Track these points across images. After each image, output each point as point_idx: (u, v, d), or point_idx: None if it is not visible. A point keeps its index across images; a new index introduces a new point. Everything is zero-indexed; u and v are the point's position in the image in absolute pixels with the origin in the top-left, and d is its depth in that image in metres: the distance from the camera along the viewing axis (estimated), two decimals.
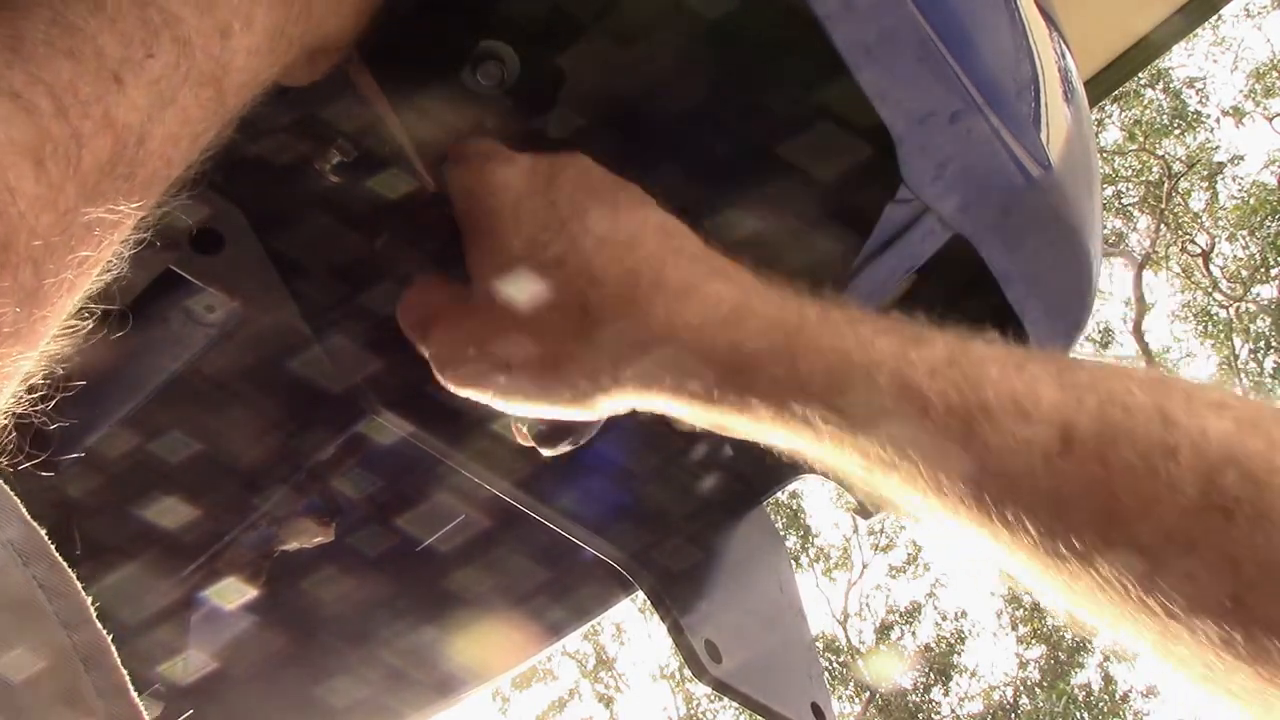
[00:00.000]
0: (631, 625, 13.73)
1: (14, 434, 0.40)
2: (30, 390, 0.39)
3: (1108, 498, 0.42)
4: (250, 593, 0.88)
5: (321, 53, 0.54)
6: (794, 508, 12.58)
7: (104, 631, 0.34)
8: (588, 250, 0.54)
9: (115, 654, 0.34)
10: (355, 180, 0.72)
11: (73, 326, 0.41)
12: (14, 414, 0.39)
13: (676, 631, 0.70)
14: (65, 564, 0.35)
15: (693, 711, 13.07)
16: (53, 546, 0.35)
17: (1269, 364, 10.60)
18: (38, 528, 0.34)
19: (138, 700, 0.34)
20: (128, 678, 0.34)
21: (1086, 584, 0.44)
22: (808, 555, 12.91)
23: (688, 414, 0.53)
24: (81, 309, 0.41)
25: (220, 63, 0.44)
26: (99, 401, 0.78)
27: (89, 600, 0.35)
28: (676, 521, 0.81)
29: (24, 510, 0.35)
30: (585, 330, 0.53)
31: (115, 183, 0.40)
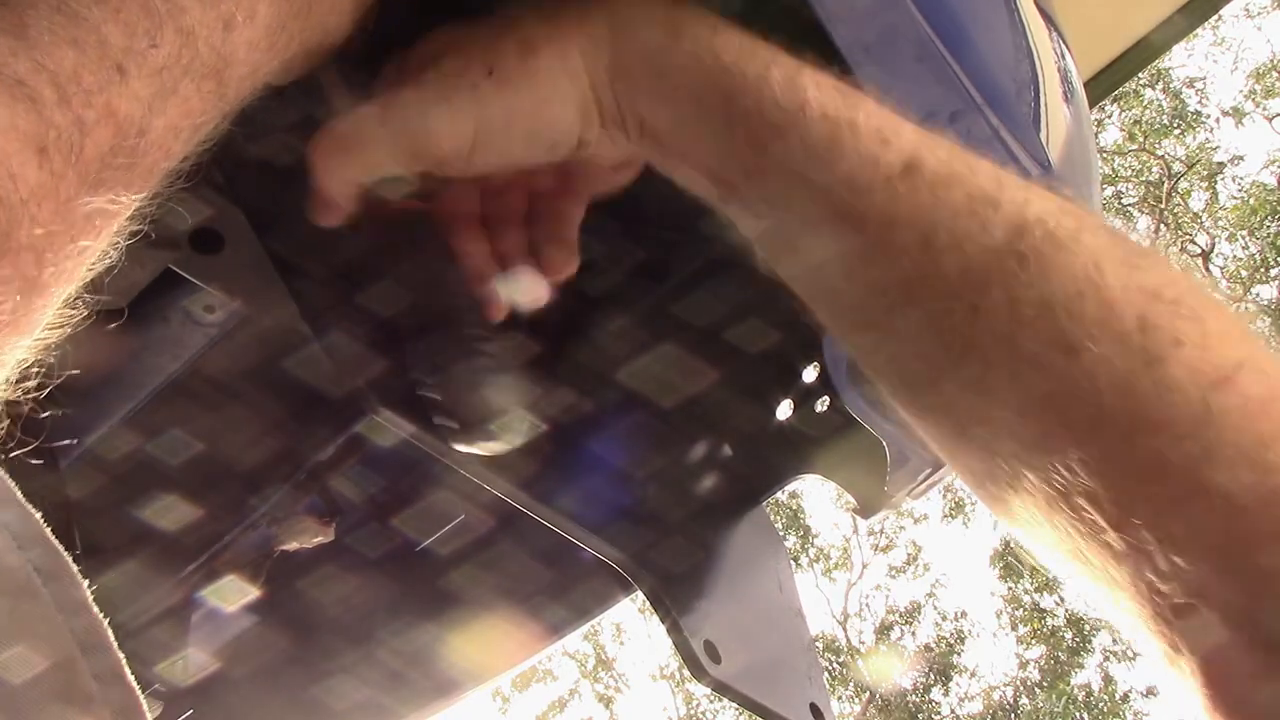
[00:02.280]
0: (631, 625, 13.73)
1: (7, 423, 0.40)
2: (24, 379, 0.39)
3: (928, 226, 0.47)
4: (250, 593, 0.88)
5: (316, 51, 0.54)
6: (794, 508, 12.59)
7: (101, 617, 0.34)
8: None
9: (113, 639, 0.34)
10: None
11: (67, 315, 0.41)
12: (7, 403, 0.39)
13: (676, 632, 0.70)
14: (62, 549, 0.34)
15: (693, 711, 13.07)
16: (49, 531, 0.35)
17: None
18: (34, 512, 0.34)
19: (136, 686, 0.34)
20: (125, 663, 0.34)
21: (884, 303, 0.49)
22: (808, 555, 12.91)
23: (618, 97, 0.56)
24: (76, 299, 0.41)
25: (222, 55, 0.44)
26: (99, 402, 0.78)
27: (86, 585, 0.35)
28: (676, 522, 0.81)
29: (20, 495, 0.35)
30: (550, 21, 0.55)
31: (116, 173, 0.40)
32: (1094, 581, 0.44)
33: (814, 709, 0.79)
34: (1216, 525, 0.39)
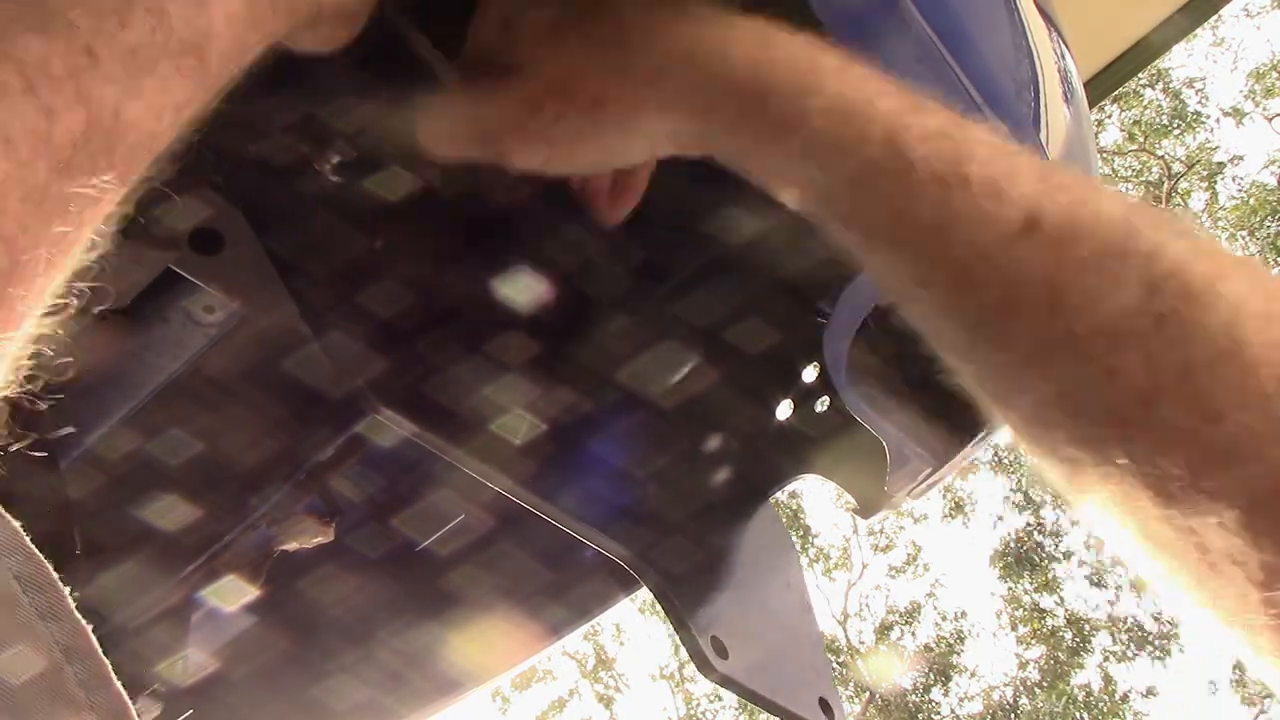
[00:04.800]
0: (631, 625, 13.73)
1: (4, 417, 0.39)
2: (18, 373, 0.39)
3: (1055, 287, 0.44)
4: (250, 593, 0.88)
5: (312, 22, 0.53)
6: (794, 508, 12.59)
7: (84, 622, 0.34)
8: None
9: (97, 644, 0.34)
10: (355, 180, 0.72)
11: (60, 307, 0.40)
12: (4, 399, 0.39)
13: (682, 628, 0.70)
14: (42, 557, 0.34)
15: (692, 711, 13.07)
16: (28, 539, 0.35)
17: None
18: (11, 520, 0.34)
19: (122, 690, 0.34)
20: (110, 667, 0.34)
21: (1011, 360, 0.47)
22: (808, 555, 12.90)
23: (705, 144, 0.55)
24: (69, 291, 0.41)
25: (200, 30, 0.44)
26: (99, 402, 0.78)
27: (67, 591, 0.35)
28: (682, 518, 0.81)
29: None
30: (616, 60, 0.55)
31: (91, 158, 0.40)
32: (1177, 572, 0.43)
33: (823, 703, 0.79)
34: None
